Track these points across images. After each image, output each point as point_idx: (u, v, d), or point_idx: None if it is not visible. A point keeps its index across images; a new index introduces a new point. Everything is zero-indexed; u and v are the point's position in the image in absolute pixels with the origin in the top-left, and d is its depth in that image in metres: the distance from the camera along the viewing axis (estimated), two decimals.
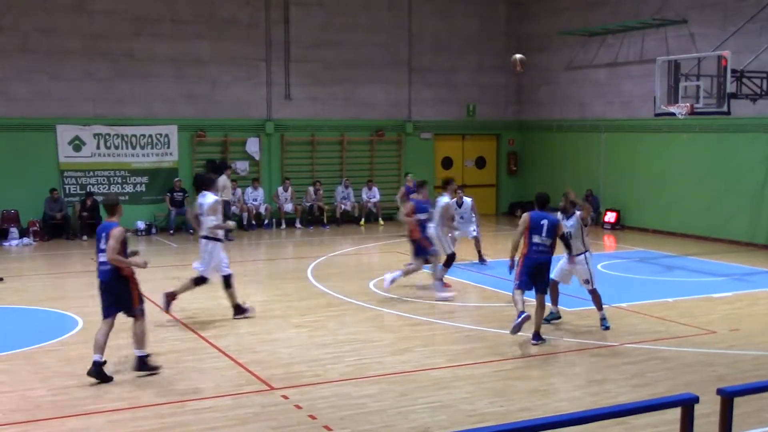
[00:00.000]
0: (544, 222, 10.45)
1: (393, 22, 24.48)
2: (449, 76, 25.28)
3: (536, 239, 10.43)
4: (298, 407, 8.11)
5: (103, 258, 8.93)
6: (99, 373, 8.80)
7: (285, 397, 8.43)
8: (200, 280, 11.82)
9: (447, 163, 25.83)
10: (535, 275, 10.49)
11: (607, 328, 11.29)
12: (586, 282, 11.35)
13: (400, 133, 24.83)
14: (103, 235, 8.91)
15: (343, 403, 8.24)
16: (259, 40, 22.88)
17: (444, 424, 7.69)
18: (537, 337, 10.51)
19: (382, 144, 24.74)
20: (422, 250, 13.32)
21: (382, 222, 23.66)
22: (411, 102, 24.94)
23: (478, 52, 25.63)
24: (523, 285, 10.57)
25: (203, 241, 11.82)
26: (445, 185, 14.41)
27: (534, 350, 10.28)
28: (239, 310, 11.91)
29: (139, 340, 9.10)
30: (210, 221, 11.69)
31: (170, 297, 11.81)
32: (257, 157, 23.02)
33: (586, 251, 11.32)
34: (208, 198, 11.77)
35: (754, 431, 7.50)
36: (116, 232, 8.80)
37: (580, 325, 11.61)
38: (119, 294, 8.99)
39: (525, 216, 10.68)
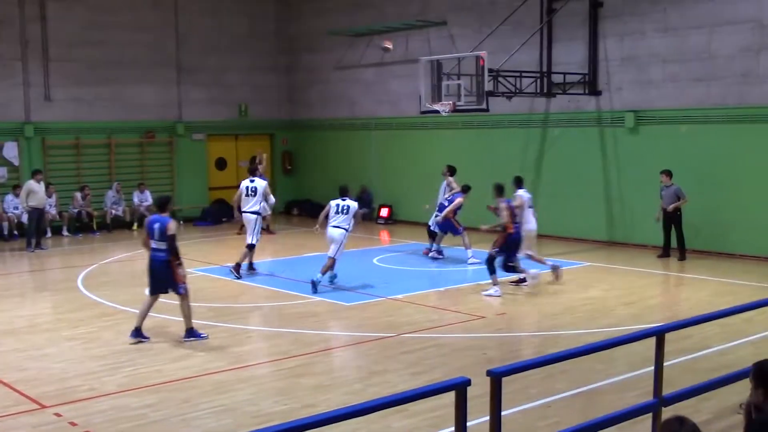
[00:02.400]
0: (156, 225, 10.77)
1: (159, 21, 23.83)
2: (220, 75, 24.98)
3: (153, 243, 10.80)
4: (73, 424, 7.73)
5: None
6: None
7: (58, 414, 8.00)
8: None
9: (221, 163, 25.53)
10: (151, 277, 10.83)
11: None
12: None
13: (171, 134, 24.24)
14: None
15: (121, 416, 7.95)
16: (12, 38, 21.45)
17: (229, 427, 7.63)
18: (137, 333, 10.72)
19: (153, 146, 24.02)
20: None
21: None
22: (181, 102, 24.40)
23: (248, 51, 25.53)
24: (149, 290, 10.95)
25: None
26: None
27: (315, 347, 10.42)
28: None
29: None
30: None
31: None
32: (16, 163, 21.60)
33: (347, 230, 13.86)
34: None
35: (522, 407, 8.03)
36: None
37: (360, 319, 11.91)
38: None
39: (146, 221, 11.22)
